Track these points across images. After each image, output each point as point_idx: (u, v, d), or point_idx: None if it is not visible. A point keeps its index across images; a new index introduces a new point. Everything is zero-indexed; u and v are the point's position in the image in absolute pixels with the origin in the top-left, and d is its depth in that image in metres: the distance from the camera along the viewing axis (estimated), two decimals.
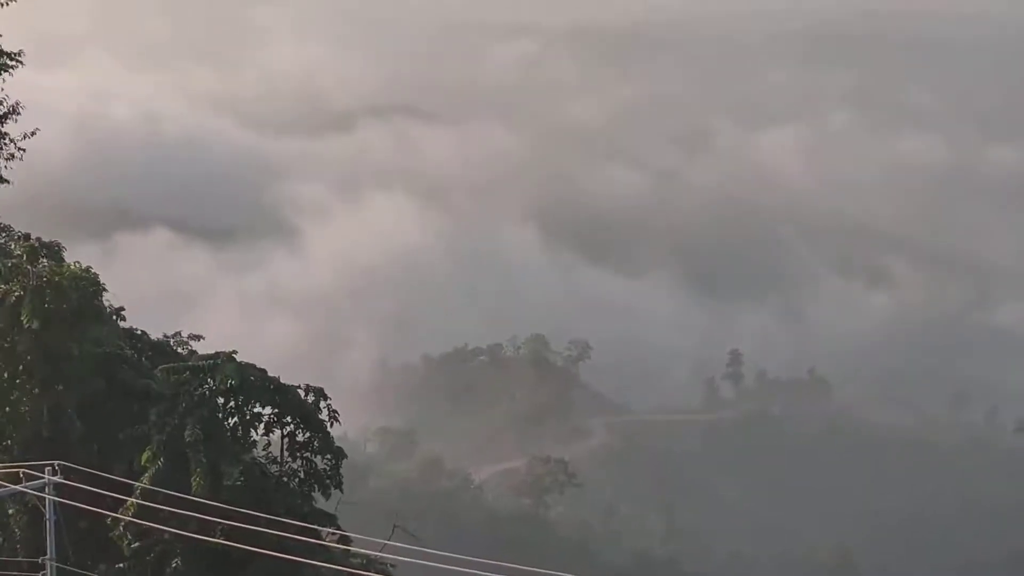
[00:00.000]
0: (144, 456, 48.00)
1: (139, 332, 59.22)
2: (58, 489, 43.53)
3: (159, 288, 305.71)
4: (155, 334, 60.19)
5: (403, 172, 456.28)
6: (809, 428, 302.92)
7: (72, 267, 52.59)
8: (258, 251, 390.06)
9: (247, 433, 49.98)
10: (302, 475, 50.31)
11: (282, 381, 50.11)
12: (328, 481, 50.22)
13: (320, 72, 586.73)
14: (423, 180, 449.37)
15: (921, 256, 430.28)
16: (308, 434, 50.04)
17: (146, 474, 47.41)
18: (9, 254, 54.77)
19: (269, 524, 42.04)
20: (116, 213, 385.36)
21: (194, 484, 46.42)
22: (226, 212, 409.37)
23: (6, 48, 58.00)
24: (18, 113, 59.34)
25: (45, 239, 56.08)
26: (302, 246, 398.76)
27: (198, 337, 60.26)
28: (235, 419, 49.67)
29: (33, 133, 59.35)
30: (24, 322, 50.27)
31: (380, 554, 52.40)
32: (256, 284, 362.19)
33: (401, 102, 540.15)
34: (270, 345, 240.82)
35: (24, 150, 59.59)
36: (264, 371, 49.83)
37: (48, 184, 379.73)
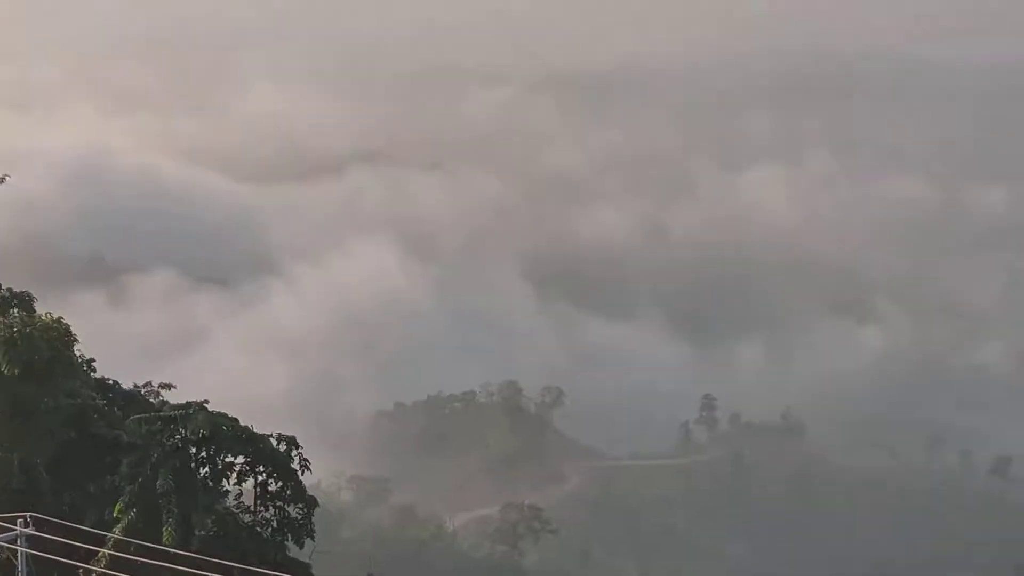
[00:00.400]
0: (116, 507, 47.84)
1: (111, 382, 59.10)
2: (30, 541, 43.30)
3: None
4: (127, 383, 60.09)
5: (382, 217, 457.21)
6: (782, 472, 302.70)
7: (43, 318, 52.46)
8: (232, 297, 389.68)
9: (219, 482, 49.89)
10: (275, 524, 50.20)
11: (254, 430, 50.11)
12: (301, 530, 50.13)
13: (301, 117, 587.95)
14: (401, 224, 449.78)
15: (899, 297, 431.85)
16: (281, 483, 49.98)
17: (118, 525, 47.25)
18: None
19: (242, 574, 41.93)
20: (114, 261, 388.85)
21: (165, 535, 46.28)
22: (205, 260, 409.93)
23: None
24: None
25: (16, 289, 55.99)
26: (269, 296, 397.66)
27: (169, 386, 60.19)
28: (207, 468, 49.57)
29: (1, 179, 59.01)
30: (1, 370, 50.07)
31: None
32: (226, 333, 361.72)
33: (382, 147, 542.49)
34: (242, 395, 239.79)
35: None
36: (236, 420, 49.82)
37: (43, 235, 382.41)
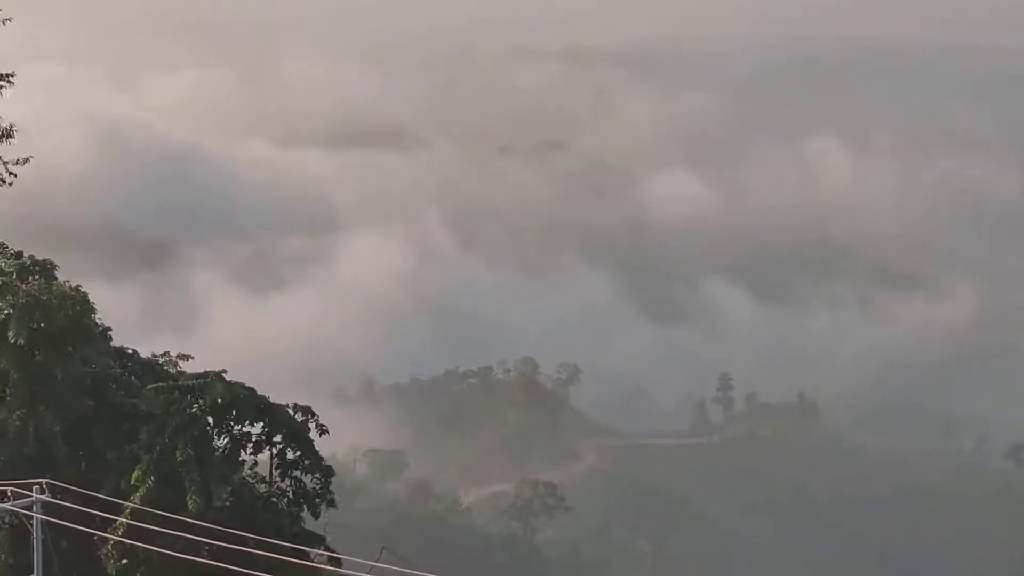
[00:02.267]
0: (134, 475, 47.80)
1: (130, 351, 59.03)
2: (46, 508, 43.29)
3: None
4: (146, 352, 60.02)
5: (391, 198, 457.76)
6: (797, 453, 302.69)
7: (61, 286, 52.40)
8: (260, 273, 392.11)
9: (236, 452, 49.82)
10: (291, 495, 50.14)
11: (271, 400, 50.01)
12: (317, 500, 50.07)
13: (340, 91, 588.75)
14: (415, 206, 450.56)
15: (913, 282, 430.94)
16: (298, 453, 49.90)
17: (136, 493, 47.21)
18: (0, 272, 54.55)
19: (257, 545, 41.84)
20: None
21: (190, 503, 46.20)
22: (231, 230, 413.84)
23: None
24: (11, 136, 58.58)
25: (39, 256, 55.82)
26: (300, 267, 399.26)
27: (187, 357, 59.99)
28: (224, 438, 49.50)
29: (27, 160, 58.43)
30: (11, 340, 50.05)
31: None
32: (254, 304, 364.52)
33: (400, 126, 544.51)
34: (259, 367, 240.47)
35: (15, 175, 58.39)
36: (253, 390, 49.68)
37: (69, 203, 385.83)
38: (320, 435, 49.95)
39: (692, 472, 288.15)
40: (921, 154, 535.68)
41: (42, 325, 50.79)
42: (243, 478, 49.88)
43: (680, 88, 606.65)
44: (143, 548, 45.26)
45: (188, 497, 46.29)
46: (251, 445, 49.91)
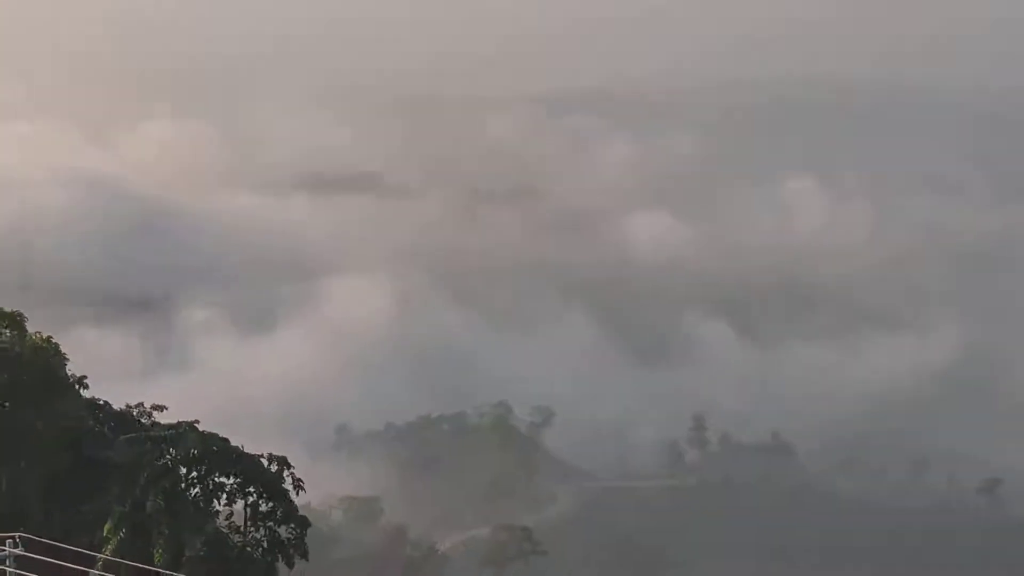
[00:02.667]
0: (106, 527, 47.70)
1: (101, 402, 58.92)
2: (19, 562, 43.10)
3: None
4: (119, 404, 59.91)
5: (370, 244, 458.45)
6: (772, 494, 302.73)
7: (34, 337, 52.37)
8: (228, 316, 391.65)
9: (209, 503, 49.75)
10: (265, 545, 50.03)
11: (244, 450, 49.99)
12: (292, 550, 49.99)
13: (306, 138, 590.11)
14: (390, 251, 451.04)
15: (889, 321, 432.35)
16: (272, 504, 49.84)
17: (107, 545, 47.11)
18: None
19: None
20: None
21: (156, 556, 46.14)
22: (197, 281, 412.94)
23: None
24: None
25: (6, 308, 55.77)
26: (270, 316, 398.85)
27: (161, 408, 59.93)
28: (197, 489, 49.43)
29: None
30: None
31: None
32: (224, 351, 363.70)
33: (373, 171, 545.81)
34: (236, 413, 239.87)
35: None
36: (227, 440, 49.70)
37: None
38: (296, 491, 49.93)
39: (667, 515, 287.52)
40: (894, 192, 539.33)
41: (16, 377, 50.73)
42: (217, 528, 49.77)
43: (650, 129, 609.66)
44: None
45: (155, 550, 46.23)
46: (225, 495, 49.85)
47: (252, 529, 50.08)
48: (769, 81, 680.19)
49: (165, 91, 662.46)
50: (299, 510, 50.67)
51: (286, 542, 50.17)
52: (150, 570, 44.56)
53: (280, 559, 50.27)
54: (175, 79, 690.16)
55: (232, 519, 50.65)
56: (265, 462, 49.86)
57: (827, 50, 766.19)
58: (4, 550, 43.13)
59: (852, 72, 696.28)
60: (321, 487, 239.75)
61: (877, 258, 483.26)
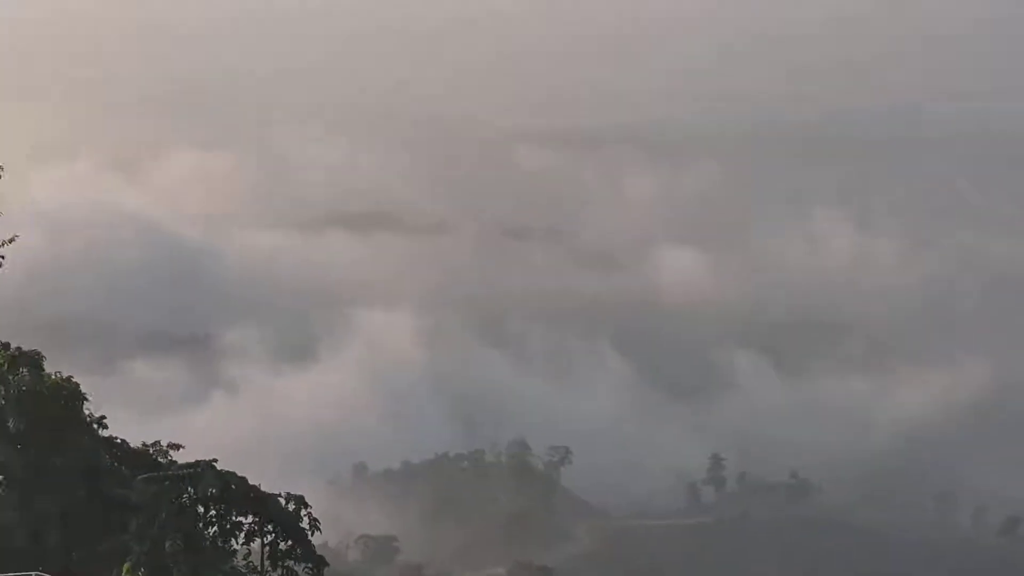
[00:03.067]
0: (124, 568, 47.65)
1: (119, 440, 58.94)
2: None
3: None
4: (136, 442, 59.93)
5: (396, 281, 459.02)
6: (792, 531, 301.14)
7: (52, 377, 52.51)
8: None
9: (227, 542, 49.69)
10: None
11: (262, 489, 49.96)
12: None
13: (331, 171, 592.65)
14: (420, 288, 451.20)
15: (917, 356, 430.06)
16: (289, 542, 49.78)
17: None
18: None
19: None
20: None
21: None
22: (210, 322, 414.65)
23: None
24: None
25: (25, 348, 55.87)
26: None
27: (177, 447, 59.92)
28: (215, 528, 49.39)
29: (11, 240, 58.12)
30: (11, 428, 50.08)
31: None
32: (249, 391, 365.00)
33: (403, 203, 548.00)
34: (253, 452, 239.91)
35: (3, 256, 58.01)
36: (245, 479, 49.66)
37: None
38: (312, 532, 49.86)
39: (684, 553, 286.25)
40: (924, 226, 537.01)
41: (36, 416, 50.83)
42: (235, 567, 49.71)
43: (679, 164, 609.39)
44: None
45: None
46: (243, 534, 49.80)
47: (270, 568, 50.02)
48: (798, 117, 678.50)
49: (192, 118, 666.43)
50: (316, 549, 50.59)
51: None
52: None
53: None
54: (203, 105, 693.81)
55: (250, 558, 50.58)
56: (283, 501, 49.83)
57: (859, 86, 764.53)
58: None
59: (885, 106, 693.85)
60: (339, 526, 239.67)
61: (907, 293, 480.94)
